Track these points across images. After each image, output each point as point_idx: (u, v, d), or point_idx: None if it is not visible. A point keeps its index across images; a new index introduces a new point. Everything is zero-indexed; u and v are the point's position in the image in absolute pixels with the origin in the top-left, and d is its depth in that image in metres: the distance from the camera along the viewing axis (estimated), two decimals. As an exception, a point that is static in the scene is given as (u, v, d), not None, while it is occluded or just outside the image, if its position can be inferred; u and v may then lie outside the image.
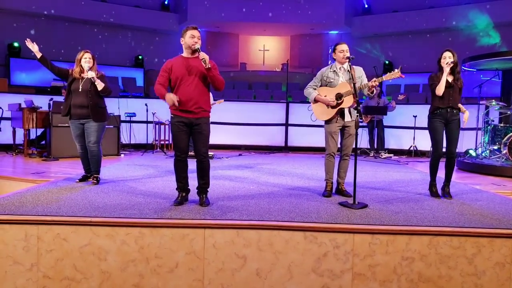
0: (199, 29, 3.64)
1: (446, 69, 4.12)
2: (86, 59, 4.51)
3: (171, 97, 3.51)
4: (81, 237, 3.07)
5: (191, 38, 3.56)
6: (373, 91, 4.14)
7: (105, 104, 4.74)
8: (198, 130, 3.63)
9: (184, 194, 3.79)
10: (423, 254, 3.03)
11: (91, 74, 4.46)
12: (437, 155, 4.29)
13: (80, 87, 4.51)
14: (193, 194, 3.85)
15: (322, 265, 3.05)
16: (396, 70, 4.00)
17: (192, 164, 3.75)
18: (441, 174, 4.36)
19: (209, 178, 3.81)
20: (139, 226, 3.09)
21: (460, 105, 4.27)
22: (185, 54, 3.66)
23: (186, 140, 3.69)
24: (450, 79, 4.18)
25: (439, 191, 4.36)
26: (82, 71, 4.55)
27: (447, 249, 3.03)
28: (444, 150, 4.28)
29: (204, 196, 3.76)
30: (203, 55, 3.48)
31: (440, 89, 4.12)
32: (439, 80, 4.15)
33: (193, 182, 3.82)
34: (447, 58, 4.15)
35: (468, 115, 4.41)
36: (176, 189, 3.81)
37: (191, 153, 3.95)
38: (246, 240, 3.08)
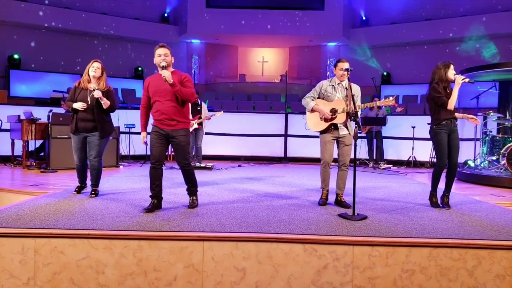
0: (167, 47, 3.85)
1: (459, 82, 4.06)
2: (93, 68, 4.43)
3: (143, 136, 4.07)
4: (78, 250, 3.05)
5: (158, 56, 3.79)
6: (356, 113, 4.01)
7: (110, 117, 4.68)
8: (176, 142, 3.86)
9: (155, 201, 3.91)
10: (423, 266, 3.01)
11: (97, 94, 4.33)
12: (442, 167, 4.27)
13: (89, 100, 4.41)
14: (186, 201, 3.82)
15: (321, 277, 3.03)
16: (391, 97, 4.14)
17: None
18: (441, 184, 4.38)
19: (196, 181, 4.10)
20: (137, 238, 3.07)
21: (460, 115, 4.38)
22: (159, 70, 3.81)
23: (160, 149, 3.90)
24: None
25: (439, 201, 4.38)
26: (89, 80, 4.47)
27: (447, 261, 3.01)
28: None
29: (193, 197, 4.08)
30: (163, 72, 3.68)
31: (452, 103, 4.09)
32: (443, 91, 4.12)
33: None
34: (453, 71, 4.15)
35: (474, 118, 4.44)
36: (150, 196, 3.93)
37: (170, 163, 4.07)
38: (245, 252, 3.06)
